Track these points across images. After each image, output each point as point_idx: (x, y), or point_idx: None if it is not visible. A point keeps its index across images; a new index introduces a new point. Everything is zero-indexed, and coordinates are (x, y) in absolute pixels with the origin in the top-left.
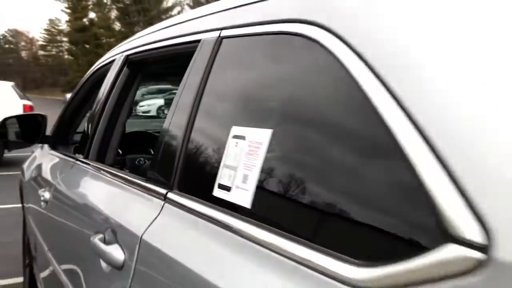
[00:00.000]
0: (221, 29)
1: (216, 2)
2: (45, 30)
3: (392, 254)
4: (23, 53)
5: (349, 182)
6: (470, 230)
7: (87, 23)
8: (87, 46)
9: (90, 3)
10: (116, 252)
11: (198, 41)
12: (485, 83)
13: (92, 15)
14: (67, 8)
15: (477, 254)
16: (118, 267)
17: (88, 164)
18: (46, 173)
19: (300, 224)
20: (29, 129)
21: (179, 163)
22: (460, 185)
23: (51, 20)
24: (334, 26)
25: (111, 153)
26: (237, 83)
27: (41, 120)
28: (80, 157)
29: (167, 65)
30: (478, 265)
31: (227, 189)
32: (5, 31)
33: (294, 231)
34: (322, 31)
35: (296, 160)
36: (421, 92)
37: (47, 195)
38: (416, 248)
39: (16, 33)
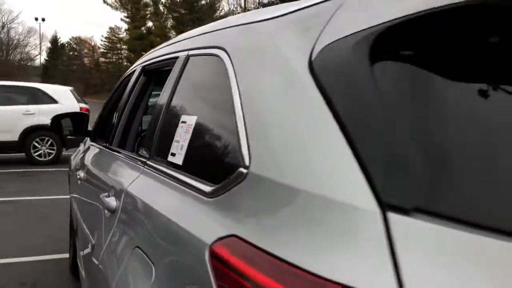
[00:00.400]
0: (189, 50)
1: (188, 32)
2: (106, 38)
3: (222, 177)
4: (86, 60)
5: (212, 143)
6: (245, 159)
7: (144, 31)
8: (144, 53)
9: (148, 12)
10: (112, 202)
11: (177, 57)
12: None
13: (149, 24)
14: (126, 17)
15: (245, 170)
16: (112, 211)
17: (110, 149)
18: (84, 159)
19: (196, 168)
20: (77, 125)
21: (155, 142)
22: (248, 140)
23: (111, 29)
24: (227, 48)
25: (129, 140)
26: (190, 85)
27: (84, 117)
28: (107, 145)
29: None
30: (245, 175)
31: (174, 155)
32: (70, 39)
33: (194, 172)
34: (222, 51)
35: (199, 133)
36: (250, 88)
37: (82, 174)
38: (231, 173)
39: (79, 41)
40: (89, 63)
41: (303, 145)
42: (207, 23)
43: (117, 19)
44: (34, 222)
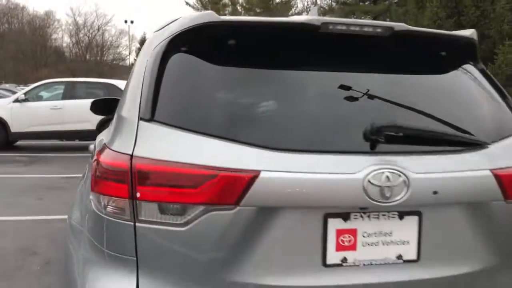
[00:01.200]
0: (138, 49)
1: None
2: None
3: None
4: None
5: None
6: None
7: None
8: None
9: (227, 12)
10: (92, 148)
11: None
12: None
13: None
14: None
15: (117, 113)
16: (91, 153)
17: None
18: None
19: None
20: None
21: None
22: (128, 95)
23: None
24: (143, 47)
25: None
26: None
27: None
28: None
29: None
30: (115, 115)
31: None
32: None
33: None
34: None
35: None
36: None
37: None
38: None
39: None
40: None
41: (129, 95)
42: None
43: None
44: None
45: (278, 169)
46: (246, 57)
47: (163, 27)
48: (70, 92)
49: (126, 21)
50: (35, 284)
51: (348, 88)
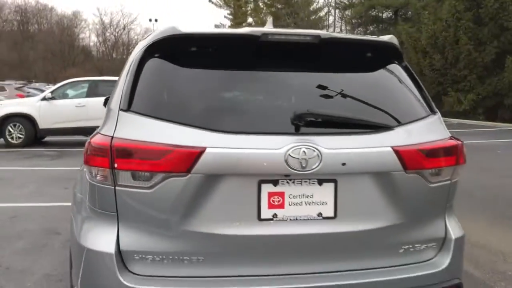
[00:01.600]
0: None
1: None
2: None
3: None
4: None
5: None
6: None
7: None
8: None
9: (249, 9)
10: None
11: None
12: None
13: (250, 20)
14: (229, 14)
15: (109, 106)
16: None
17: None
18: None
19: None
20: None
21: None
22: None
23: (216, 26)
24: (131, 54)
25: None
26: None
27: None
28: None
29: None
30: (107, 108)
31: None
32: None
33: None
34: (131, 56)
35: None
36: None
37: None
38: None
39: None
40: None
41: (115, 91)
42: (301, 17)
43: (221, 17)
44: None
45: (220, 146)
46: (204, 62)
47: (147, 36)
48: (94, 90)
49: (150, 20)
50: (58, 258)
51: (281, 84)
